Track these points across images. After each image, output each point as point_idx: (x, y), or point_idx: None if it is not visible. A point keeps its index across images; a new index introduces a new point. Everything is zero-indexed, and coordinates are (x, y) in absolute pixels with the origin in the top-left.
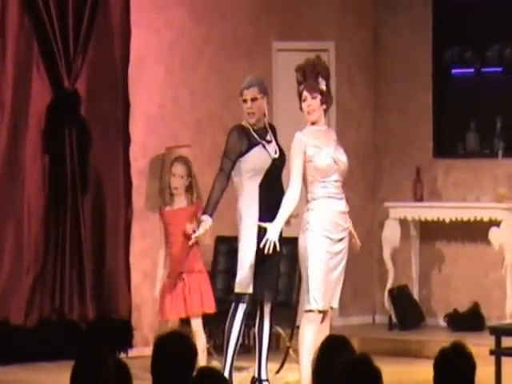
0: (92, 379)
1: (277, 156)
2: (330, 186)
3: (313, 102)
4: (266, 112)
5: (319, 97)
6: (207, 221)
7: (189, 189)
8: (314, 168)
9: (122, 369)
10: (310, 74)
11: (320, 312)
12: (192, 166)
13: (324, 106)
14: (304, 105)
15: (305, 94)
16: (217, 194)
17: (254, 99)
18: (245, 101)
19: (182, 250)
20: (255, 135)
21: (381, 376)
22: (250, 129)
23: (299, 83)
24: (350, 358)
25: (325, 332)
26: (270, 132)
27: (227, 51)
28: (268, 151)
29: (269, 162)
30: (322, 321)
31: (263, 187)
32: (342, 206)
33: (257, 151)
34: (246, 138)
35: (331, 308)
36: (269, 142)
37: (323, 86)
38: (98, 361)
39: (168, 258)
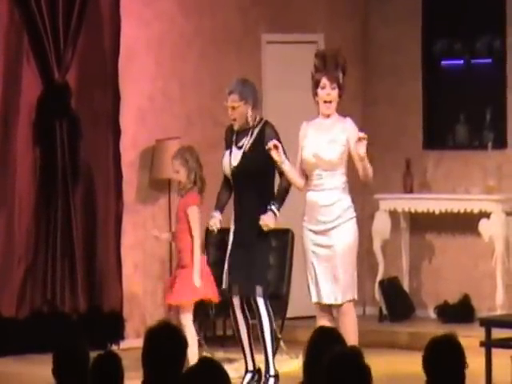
0: (70, 367)
1: (235, 165)
2: (313, 178)
3: (332, 93)
4: (250, 116)
5: (337, 89)
6: (216, 216)
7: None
8: (301, 159)
9: (114, 361)
10: (330, 63)
11: (324, 304)
12: (192, 154)
13: (338, 99)
14: (323, 92)
15: (324, 81)
16: (222, 197)
17: (233, 107)
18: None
19: (179, 242)
20: (233, 138)
21: (370, 373)
22: (234, 130)
23: (317, 69)
24: (339, 352)
25: (344, 329)
26: (249, 135)
27: (217, 43)
28: (230, 158)
29: (228, 170)
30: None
31: (234, 192)
32: (322, 198)
33: (224, 155)
34: (226, 140)
35: (349, 301)
36: (240, 147)
37: (341, 80)
38: (73, 348)
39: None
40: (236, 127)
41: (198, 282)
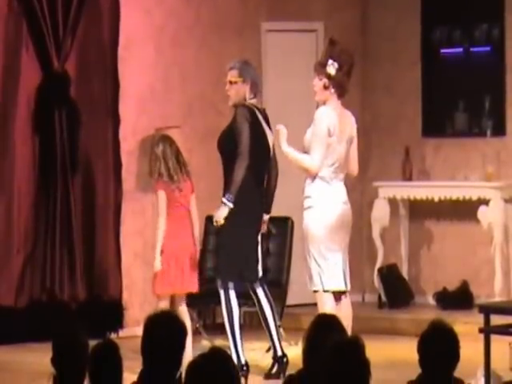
0: (69, 356)
1: None
2: None
3: (317, 83)
4: (247, 96)
5: (324, 80)
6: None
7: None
8: None
9: (113, 349)
10: (324, 55)
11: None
12: (158, 145)
13: (331, 91)
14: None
15: (314, 72)
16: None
17: (231, 82)
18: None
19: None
20: None
21: (369, 368)
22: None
23: None
24: (339, 344)
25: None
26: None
27: (217, 31)
28: None
29: None
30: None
31: None
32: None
33: None
34: None
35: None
36: None
37: (331, 71)
38: (73, 337)
39: None
40: (230, 103)
41: (158, 263)
